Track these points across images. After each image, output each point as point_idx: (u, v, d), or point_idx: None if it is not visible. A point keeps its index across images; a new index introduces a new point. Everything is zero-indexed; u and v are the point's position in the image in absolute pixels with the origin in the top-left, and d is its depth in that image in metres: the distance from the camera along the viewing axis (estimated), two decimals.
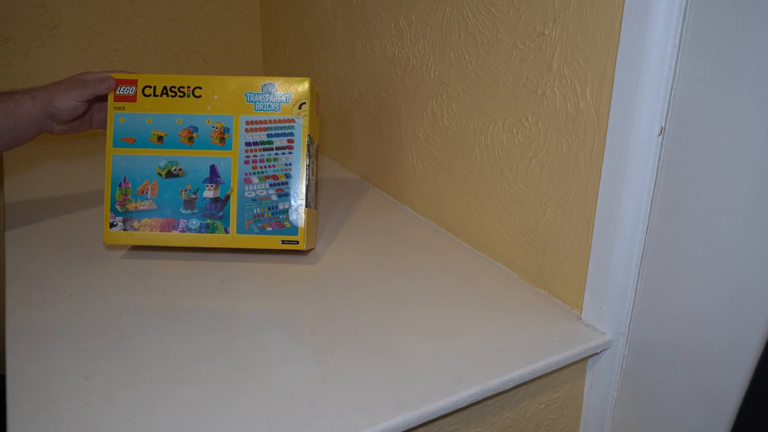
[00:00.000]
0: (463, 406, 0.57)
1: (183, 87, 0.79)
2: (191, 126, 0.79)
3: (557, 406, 0.70)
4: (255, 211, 0.78)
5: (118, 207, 0.79)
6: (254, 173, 0.78)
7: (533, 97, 0.69)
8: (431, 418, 0.55)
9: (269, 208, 0.78)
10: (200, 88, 0.79)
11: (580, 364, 0.69)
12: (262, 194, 0.78)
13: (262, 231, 0.77)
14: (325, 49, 1.15)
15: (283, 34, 1.33)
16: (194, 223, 0.78)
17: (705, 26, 0.53)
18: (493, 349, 0.63)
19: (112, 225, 0.79)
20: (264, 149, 0.78)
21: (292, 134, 0.78)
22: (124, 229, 0.78)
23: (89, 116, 0.85)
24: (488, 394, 0.58)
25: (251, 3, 1.42)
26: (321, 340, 0.64)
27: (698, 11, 0.53)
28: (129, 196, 0.79)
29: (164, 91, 0.79)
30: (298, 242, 0.77)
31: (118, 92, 0.79)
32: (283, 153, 0.78)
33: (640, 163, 0.59)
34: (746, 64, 0.50)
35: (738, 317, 0.55)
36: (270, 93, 0.78)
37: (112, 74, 0.79)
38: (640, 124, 0.57)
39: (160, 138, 0.79)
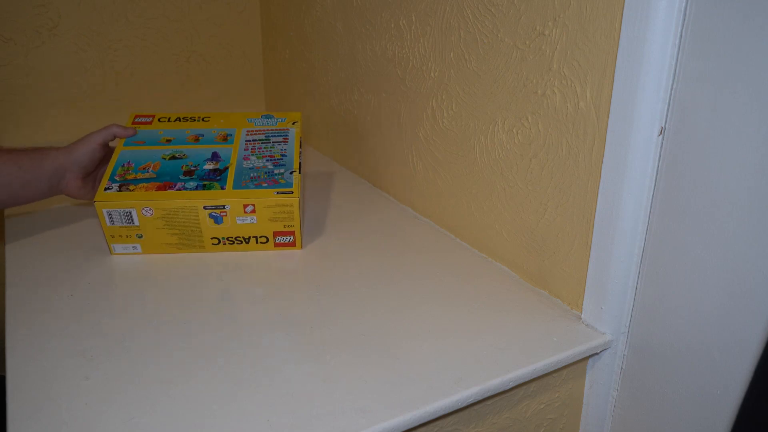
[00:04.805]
0: (462, 406, 0.57)
1: (194, 117, 0.91)
2: (198, 134, 0.88)
3: (557, 406, 0.70)
4: (252, 174, 0.82)
5: (116, 177, 0.80)
6: (253, 155, 0.85)
7: (533, 97, 0.69)
8: (431, 418, 0.55)
9: (265, 172, 0.82)
10: (209, 117, 0.91)
11: (580, 364, 0.69)
12: (259, 165, 0.83)
13: (258, 186, 0.80)
14: (325, 49, 1.15)
15: (283, 34, 1.33)
16: (191, 184, 0.79)
17: (705, 26, 0.53)
18: (493, 349, 0.63)
19: (107, 188, 0.79)
20: (262, 142, 0.87)
21: (287, 135, 0.89)
22: (119, 191, 0.78)
23: (100, 177, 0.86)
24: (488, 394, 0.58)
25: (251, 3, 1.42)
26: (321, 340, 0.64)
27: (698, 11, 0.53)
28: (130, 171, 0.81)
29: (177, 119, 0.90)
30: (292, 192, 0.79)
31: (136, 121, 0.89)
32: (279, 144, 0.87)
33: (640, 163, 0.59)
34: (746, 64, 0.50)
35: (738, 317, 0.55)
36: (268, 118, 0.91)
37: (134, 112, 0.91)
38: (640, 124, 0.57)
39: (168, 140, 0.86)
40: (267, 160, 0.84)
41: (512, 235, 0.77)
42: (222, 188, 0.79)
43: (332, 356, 0.61)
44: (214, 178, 0.80)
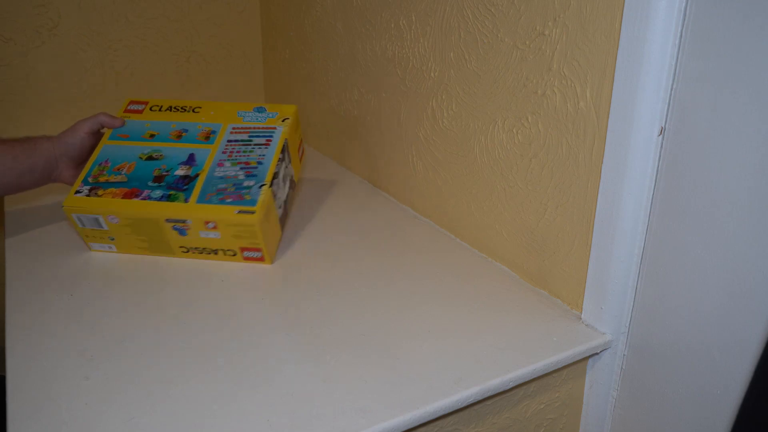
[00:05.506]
0: (462, 406, 0.57)
1: (186, 106, 0.88)
2: (183, 129, 0.85)
3: (557, 406, 0.70)
4: (219, 186, 0.78)
5: (90, 179, 0.80)
6: (228, 160, 0.81)
7: (533, 97, 0.69)
8: (431, 418, 0.55)
9: (234, 184, 0.78)
10: (200, 108, 0.87)
11: (580, 364, 0.69)
12: (231, 174, 0.79)
13: (221, 202, 0.76)
14: (325, 49, 1.15)
15: (283, 34, 1.33)
16: (157, 193, 0.77)
17: (705, 26, 0.53)
18: (493, 349, 0.63)
19: (77, 192, 0.79)
20: (243, 144, 0.82)
21: (271, 136, 0.83)
22: (89, 195, 0.78)
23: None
24: (488, 394, 0.58)
25: (251, 3, 1.42)
26: (321, 340, 0.64)
27: (698, 11, 0.53)
28: (104, 172, 0.81)
29: (169, 108, 0.88)
30: (253, 212, 0.74)
31: (129, 108, 0.87)
32: (260, 147, 0.82)
33: (640, 163, 0.59)
34: (746, 64, 0.50)
35: (738, 317, 0.55)
36: (260, 112, 0.86)
37: (129, 98, 0.90)
38: (640, 124, 0.57)
39: (152, 135, 0.84)
40: (241, 168, 0.79)
41: (512, 235, 0.77)
42: (186, 200, 0.76)
43: (332, 356, 0.61)
44: (180, 187, 0.77)
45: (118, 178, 0.79)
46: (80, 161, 0.84)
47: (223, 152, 0.81)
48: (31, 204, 0.98)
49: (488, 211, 0.81)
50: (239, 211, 0.74)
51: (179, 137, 0.84)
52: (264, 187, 0.76)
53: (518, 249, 0.77)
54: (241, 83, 1.47)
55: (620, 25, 0.57)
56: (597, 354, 0.68)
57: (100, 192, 0.78)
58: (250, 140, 0.82)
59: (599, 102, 0.61)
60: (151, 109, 0.88)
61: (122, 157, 0.81)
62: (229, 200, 0.75)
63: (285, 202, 0.83)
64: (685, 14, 0.54)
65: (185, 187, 0.77)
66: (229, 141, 0.83)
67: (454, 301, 0.72)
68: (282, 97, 1.40)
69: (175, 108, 0.88)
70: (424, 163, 0.92)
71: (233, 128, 0.85)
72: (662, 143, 0.58)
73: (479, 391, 0.57)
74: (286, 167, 0.82)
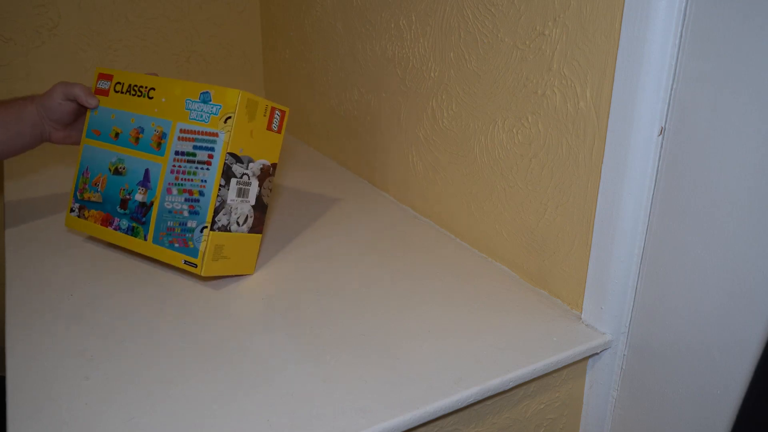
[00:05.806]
0: (462, 406, 0.57)
1: (142, 87, 0.80)
2: (140, 126, 0.79)
3: (557, 406, 0.70)
4: (169, 223, 0.75)
5: (78, 194, 0.82)
6: (175, 184, 0.75)
7: (533, 97, 0.69)
8: (431, 418, 0.55)
9: (180, 224, 0.74)
10: (154, 89, 0.79)
11: (580, 364, 0.69)
12: (177, 207, 0.74)
13: (171, 246, 0.74)
14: (325, 49, 1.15)
15: (283, 34, 1.33)
16: (124, 223, 0.78)
17: (705, 26, 0.53)
18: (493, 349, 0.63)
19: (71, 210, 0.82)
20: (188, 161, 0.75)
21: (212, 149, 0.73)
22: (79, 216, 0.82)
23: (82, 124, 0.87)
24: (488, 394, 0.58)
25: (251, 3, 1.42)
26: (321, 340, 0.64)
27: (698, 11, 0.53)
28: (87, 186, 0.82)
29: (129, 89, 0.81)
30: (196, 266, 0.71)
31: (98, 86, 0.84)
32: (202, 168, 0.73)
33: (640, 163, 0.59)
34: (746, 64, 0.50)
35: (738, 317, 0.55)
36: (205, 102, 0.74)
37: (99, 69, 0.85)
38: (640, 124, 0.57)
39: (117, 134, 0.81)
40: (185, 200, 0.73)
41: (512, 235, 0.77)
42: (145, 238, 0.76)
43: (332, 356, 0.61)
44: (140, 219, 0.77)
45: (96, 197, 0.81)
46: (64, 123, 0.84)
47: (171, 170, 0.76)
48: (31, 197, 0.98)
49: (488, 211, 0.81)
50: (185, 261, 0.73)
51: (137, 141, 0.79)
52: (206, 230, 0.72)
53: (518, 249, 0.77)
54: (241, 83, 1.47)
55: (620, 25, 0.57)
56: (597, 354, 0.68)
57: (86, 213, 0.81)
58: (194, 154, 0.74)
59: (599, 102, 0.61)
60: (115, 89, 0.82)
61: (98, 166, 0.82)
62: (176, 245, 0.73)
63: (256, 203, 0.78)
64: (685, 14, 0.54)
65: (144, 219, 0.77)
66: (176, 152, 0.76)
67: (454, 301, 0.72)
68: (282, 97, 1.40)
69: (134, 89, 0.81)
70: (424, 163, 0.92)
71: (181, 131, 0.76)
72: (662, 143, 0.58)
73: (479, 391, 0.57)
74: (240, 178, 0.75)
